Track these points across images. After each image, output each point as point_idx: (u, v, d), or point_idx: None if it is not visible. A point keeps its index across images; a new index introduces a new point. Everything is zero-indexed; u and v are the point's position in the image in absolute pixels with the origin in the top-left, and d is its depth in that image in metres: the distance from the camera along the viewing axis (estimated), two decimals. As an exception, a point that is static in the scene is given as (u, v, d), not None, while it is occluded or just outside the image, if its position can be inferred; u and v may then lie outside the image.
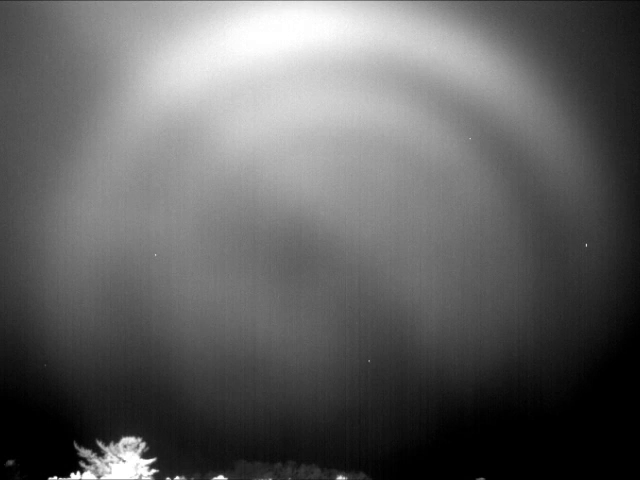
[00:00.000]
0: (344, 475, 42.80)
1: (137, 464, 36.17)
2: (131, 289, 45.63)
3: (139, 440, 36.43)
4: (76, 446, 36.25)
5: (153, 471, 36.71)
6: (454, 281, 47.66)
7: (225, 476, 40.94)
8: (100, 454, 36.32)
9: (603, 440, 44.87)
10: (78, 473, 36.12)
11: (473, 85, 46.68)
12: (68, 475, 36.20)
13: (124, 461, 36.12)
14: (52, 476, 36.57)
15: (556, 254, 47.31)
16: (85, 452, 36.18)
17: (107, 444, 36.36)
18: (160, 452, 37.35)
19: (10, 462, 37.34)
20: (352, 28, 45.95)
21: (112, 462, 36.06)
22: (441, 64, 46.36)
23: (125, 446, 36.26)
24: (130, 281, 45.70)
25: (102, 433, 37.20)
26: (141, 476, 36.23)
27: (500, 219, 47.43)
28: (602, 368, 46.03)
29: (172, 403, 45.24)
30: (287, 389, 46.33)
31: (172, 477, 38.87)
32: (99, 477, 36.02)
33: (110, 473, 35.98)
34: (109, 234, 45.63)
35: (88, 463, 36.18)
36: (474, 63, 46.34)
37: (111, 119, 45.37)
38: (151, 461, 36.57)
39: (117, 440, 36.46)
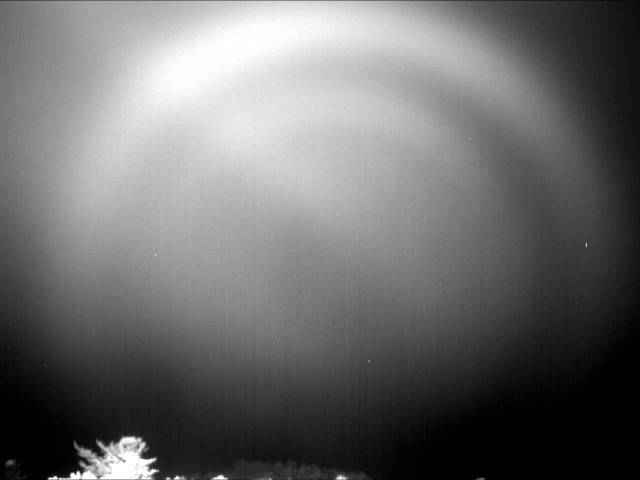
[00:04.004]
0: (344, 475, 42.79)
1: (137, 464, 36.15)
2: (131, 289, 45.64)
3: (139, 440, 36.40)
4: (76, 446, 36.22)
5: (153, 471, 36.69)
6: (454, 281, 47.66)
7: (225, 476, 40.92)
8: (100, 454, 36.28)
9: (603, 440, 44.85)
10: (78, 473, 36.11)
11: (473, 85, 46.67)
12: (68, 475, 36.19)
13: (124, 461, 36.10)
14: (52, 476, 36.56)
15: (556, 253, 47.31)
16: (85, 452, 36.14)
17: (107, 444, 36.33)
18: (160, 452, 37.33)
19: (10, 462, 37.33)
20: (352, 28, 45.94)
21: (112, 462, 36.03)
22: (441, 64, 46.35)
23: (125, 446, 36.22)
24: (130, 281, 45.70)
25: (102, 433, 37.17)
26: (141, 476, 36.21)
27: (500, 219, 47.42)
28: (602, 367, 46.01)
29: (172, 403, 45.24)
30: (287, 389, 46.33)
31: (172, 477, 38.87)
32: (99, 477, 36.00)
33: (110, 473, 35.95)
34: (109, 234, 45.62)
35: (88, 463, 36.15)
36: (475, 63, 46.34)
37: (111, 119, 45.37)
38: (151, 461, 36.55)
39: (117, 440, 36.43)
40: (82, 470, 36.19)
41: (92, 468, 36.08)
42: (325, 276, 47.36)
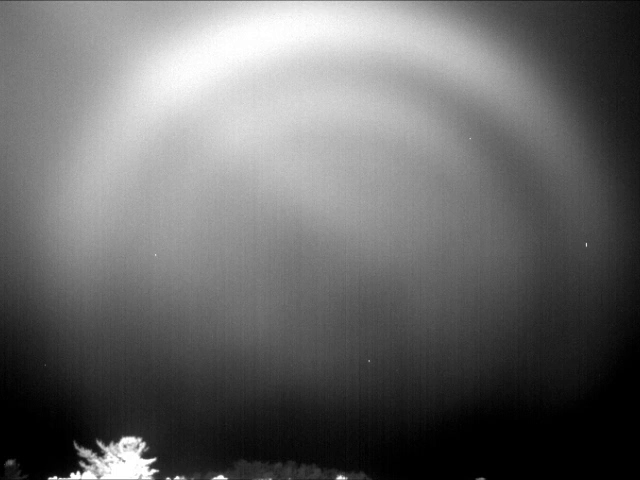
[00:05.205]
0: (344, 475, 42.79)
1: (137, 464, 36.16)
2: (131, 289, 45.63)
3: (139, 440, 36.41)
4: (76, 446, 36.24)
5: (153, 471, 36.70)
6: (454, 281, 47.66)
7: (225, 476, 40.92)
8: (100, 454, 36.29)
9: (602, 439, 44.85)
10: (78, 473, 36.12)
11: (474, 85, 46.67)
12: (68, 475, 36.20)
13: (124, 461, 36.11)
14: (52, 476, 36.56)
15: (556, 253, 47.30)
16: (85, 452, 36.16)
17: (107, 444, 36.34)
18: (160, 452, 37.34)
19: (10, 462, 37.33)
20: (352, 28, 45.94)
21: (112, 462, 36.04)
22: (442, 64, 46.34)
23: (125, 446, 36.24)
24: (130, 281, 45.69)
25: (102, 433, 37.18)
26: (141, 476, 36.22)
27: (500, 219, 47.41)
28: (602, 367, 46.01)
29: (172, 403, 45.24)
30: (287, 389, 46.33)
31: (172, 477, 38.87)
32: (99, 477, 36.01)
33: (110, 473, 35.96)
34: (109, 234, 45.62)
35: (88, 463, 36.16)
36: (475, 63, 46.33)
37: (111, 119, 45.36)
38: (151, 461, 36.56)
39: (117, 440, 36.44)
40: (82, 470, 36.20)
41: (92, 468, 36.09)
42: (325, 276, 47.37)
